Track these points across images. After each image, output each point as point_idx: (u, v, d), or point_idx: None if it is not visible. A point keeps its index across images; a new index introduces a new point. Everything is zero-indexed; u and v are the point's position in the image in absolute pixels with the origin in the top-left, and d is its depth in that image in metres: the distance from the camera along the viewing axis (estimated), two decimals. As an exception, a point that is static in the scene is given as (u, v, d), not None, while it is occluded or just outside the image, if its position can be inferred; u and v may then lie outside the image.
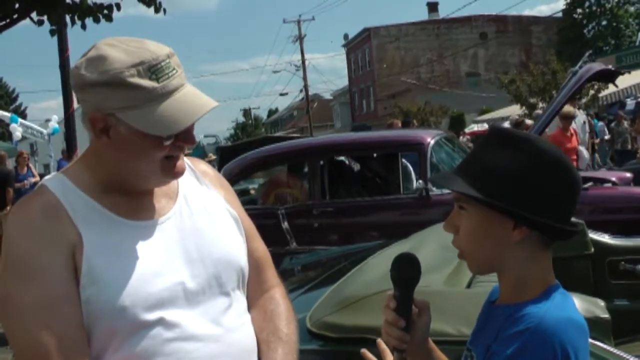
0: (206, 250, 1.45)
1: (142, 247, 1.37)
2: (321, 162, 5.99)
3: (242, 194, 7.81)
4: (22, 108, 56.16)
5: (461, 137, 18.79)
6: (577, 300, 1.51)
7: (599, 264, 3.38)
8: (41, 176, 11.48)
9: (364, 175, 6.66)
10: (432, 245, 2.76)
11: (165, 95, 1.33)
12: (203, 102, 1.38)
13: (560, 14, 46.06)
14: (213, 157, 13.71)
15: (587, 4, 45.02)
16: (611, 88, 12.45)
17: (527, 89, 23.58)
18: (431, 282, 2.22)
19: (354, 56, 53.15)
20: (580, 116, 10.31)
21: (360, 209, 5.84)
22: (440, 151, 5.86)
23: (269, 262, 1.65)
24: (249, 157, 6.28)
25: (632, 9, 45.42)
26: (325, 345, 2.24)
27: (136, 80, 1.31)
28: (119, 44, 1.36)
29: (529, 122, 10.73)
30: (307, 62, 44.41)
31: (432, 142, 5.65)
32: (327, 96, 64.15)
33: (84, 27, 6.92)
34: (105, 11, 6.95)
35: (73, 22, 7.01)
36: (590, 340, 1.28)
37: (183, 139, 1.38)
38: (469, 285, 2.46)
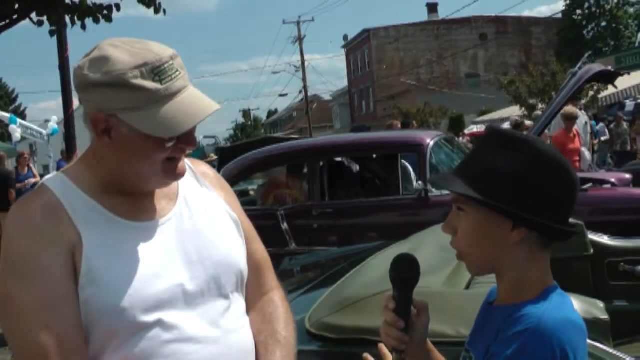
0: (206, 252, 1.44)
1: (141, 248, 1.37)
2: (320, 163, 5.99)
3: (241, 195, 7.80)
4: (22, 108, 56.16)
5: (461, 138, 18.77)
6: (576, 301, 1.52)
7: (598, 265, 3.38)
8: (41, 177, 11.48)
9: (363, 176, 6.66)
10: (431, 247, 2.76)
11: (168, 97, 1.33)
12: (205, 104, 1.38)
13: (559, 15, 46.07)
14: (214, 157, 13.69)
15: (586, 5, 45.00)
16: (610, 89, 12.46)
17: (527, 90, 23.59)
18: (430, 283, 2.23)
19: (353, 57, 53.15)
20: (582, 117, 10.29)
21: (360, 210, 5.84)
22: (439, 152, 5.86)
23: (269, 264, 1.64)
24: (249, 158, 6.28)
25: (631, 10, 45.43)
26: (324, 346, 2.24)
27: (139, 81, 1.31)
28: (122, 44, 1.35)
29: (528, 123, 10.73)
30: (306, 63, 44.49)
31: (432, 143, 5.65)
32: (327, 97, 64.21)
33: (83, 27, 6.91)
34: (105, 12, 6.94)
35: (73, 23, 7.00)
36: (589, 341, 1.28)
37: (185, 141, 1.38)
38: (467, 287, 2.47)
